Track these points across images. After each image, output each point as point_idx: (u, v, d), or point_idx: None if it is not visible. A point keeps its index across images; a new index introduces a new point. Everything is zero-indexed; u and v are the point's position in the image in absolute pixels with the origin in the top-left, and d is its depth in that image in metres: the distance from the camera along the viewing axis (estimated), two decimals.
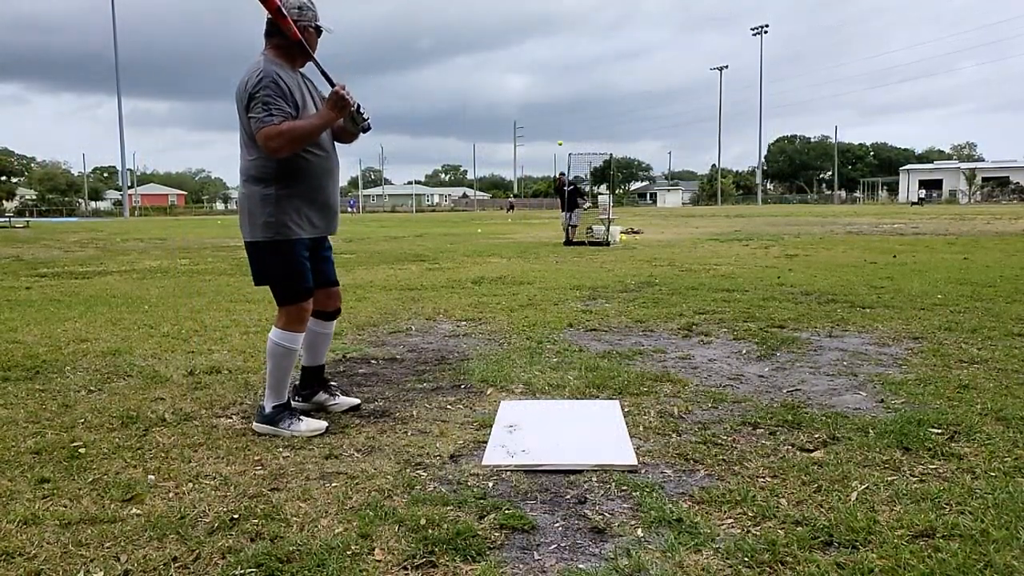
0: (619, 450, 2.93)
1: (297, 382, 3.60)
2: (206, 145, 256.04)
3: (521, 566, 2.10)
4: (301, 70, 3.28)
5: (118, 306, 7.12)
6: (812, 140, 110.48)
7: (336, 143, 3.39)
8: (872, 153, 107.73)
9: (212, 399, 3.77)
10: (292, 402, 3.56)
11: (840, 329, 5.43)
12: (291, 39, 3.12)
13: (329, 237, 3.49)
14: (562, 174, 17.07)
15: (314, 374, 3.60)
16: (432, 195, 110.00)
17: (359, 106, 3.21)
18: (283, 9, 3.07)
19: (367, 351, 4.93)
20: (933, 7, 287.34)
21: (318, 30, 3.23)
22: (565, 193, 16.53)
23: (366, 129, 3.34)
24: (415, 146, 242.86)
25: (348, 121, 3.24)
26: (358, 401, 3.65)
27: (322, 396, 3.59)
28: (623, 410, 3.46)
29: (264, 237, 3.16)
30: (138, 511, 2.44)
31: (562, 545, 2.22)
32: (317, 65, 3.21)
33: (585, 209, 17.28)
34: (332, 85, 3.17)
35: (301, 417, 3.28)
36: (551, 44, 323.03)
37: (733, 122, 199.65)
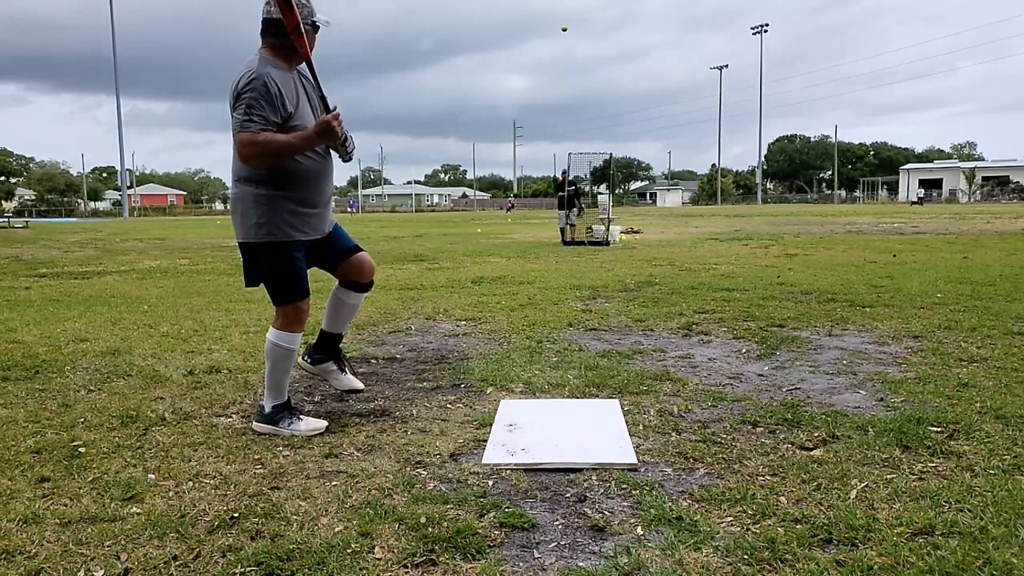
0: (619, 449, 2.94)
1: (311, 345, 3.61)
2: (205, 145, 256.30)
3: (521, 564, 2.10)
4: (299, 67, 3.24)
5: (117, 306, 7.13)
6: (812, 140, 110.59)
7: None
8: (872, 152, 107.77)
9: (212, 398, 3.77)
10: (300, 361, 3.59)
11: (840, 328, 5.43)
12: (300, 55, 3.06)
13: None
14: (565, 172, 17.02)
15: (330, 341, 3.58)
16: (432, 195, 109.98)
17: (347, 138, 3.13)
18: (301, 27, 2.99)
19: (367, 350, 4.93)
20: (933, 7, 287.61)
21: (315, 26, 3.15)
22: (566, 192, 16.49)
23: (346, 160, 3.30)
24: (415, 146, 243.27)
25: (331, 148, 3.20)
26: (361, 386, 3.65)
27: (331, 366, 3.58)
28: (623, 409, 3.47)
29: (257, 238, 3.13)
30: (138, 510, 2.44)
31: (562, 543, 2.22)
32: (316, 85, 3.14)
33: (578, 215, 17.16)
34: (326, 107, 3.10)
35: (301, 416, 3.28)
36: (551, 44, 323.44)
37: (733, 122, 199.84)
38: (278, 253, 3.14)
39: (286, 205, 3.12)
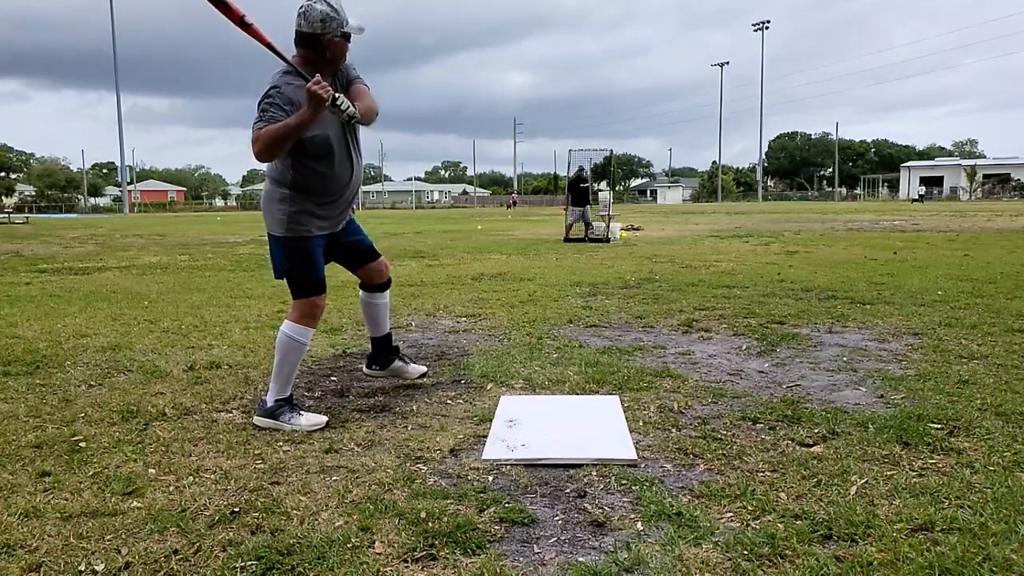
0: (619, 444, 2.94)
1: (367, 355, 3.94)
2: (206, 142, 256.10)
3: (521, 559, 2.10)
4: (332, 76, 3.23)
5: (118, 302, 7.13)
6: (813, 137, 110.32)
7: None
8: (873, 150, 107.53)
9: (212, 394, 3.78)
10: (367, 371, 3.95)
11: (840, 325, 5.43)
12: (263, 44, 3.08)
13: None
14: (581, 168, 16.95)
15: (384, 343, 3.88)
16: (432, 192, 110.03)
17: (335, 98, 3.08)
18: (245, 19, 3.01)
19: (368, 347, 4.92)
20: (935, 3, 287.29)
21: (346, 36, 3.19)
22: (577, 188, 16.40)
23: (351, 119, 3.26)
24: (415, 143, 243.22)
25: (333, 114, 3.15)
26: (425, 369, 3.99)
27: (398, 364, 3.90)
28: (623, 405, 3.47)
29: (279, 232, 3.30)
30: (139, 504, 2.45)
31: (562, 538, 2.22)
32: (299, 74, 3.11)
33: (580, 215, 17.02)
34: (307, 81, 3.07)
35: (301, 412, 3.30)
36: (552, 42, 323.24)
37: (734, 119, 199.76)
38: (296, 248, 3.30)
39: (306, 206, 3.28)
